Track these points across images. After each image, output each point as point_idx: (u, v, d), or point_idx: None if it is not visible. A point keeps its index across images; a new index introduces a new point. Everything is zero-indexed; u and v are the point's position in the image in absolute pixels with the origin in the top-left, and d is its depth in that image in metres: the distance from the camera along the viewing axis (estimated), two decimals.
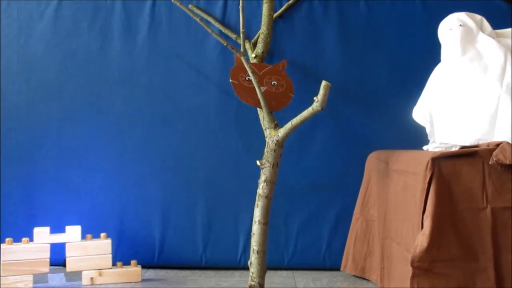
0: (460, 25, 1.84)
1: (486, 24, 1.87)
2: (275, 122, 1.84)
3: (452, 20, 1.88)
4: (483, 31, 1.84)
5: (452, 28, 1.86)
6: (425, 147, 1.92)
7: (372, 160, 2.11)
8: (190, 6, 2.29)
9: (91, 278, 2.05)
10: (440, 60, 1.94)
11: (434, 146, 1.84)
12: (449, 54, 1.86)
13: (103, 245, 2.08)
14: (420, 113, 1.93)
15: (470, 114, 1.73)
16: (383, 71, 2.28)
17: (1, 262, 1.97)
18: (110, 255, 2.08)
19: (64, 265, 2.07)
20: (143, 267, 2.20)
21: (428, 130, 1.92)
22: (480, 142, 1.69)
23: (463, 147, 1.70)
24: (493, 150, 1.53)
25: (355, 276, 2.14)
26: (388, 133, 2.23)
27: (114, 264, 2.10)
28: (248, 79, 1.90)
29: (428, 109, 1.89)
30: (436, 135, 1.85)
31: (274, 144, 1.77)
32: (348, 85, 2.27)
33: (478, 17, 1.88)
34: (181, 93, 2.29)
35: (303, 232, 2.26)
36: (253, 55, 2.12)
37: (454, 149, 1.74)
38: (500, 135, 1.65)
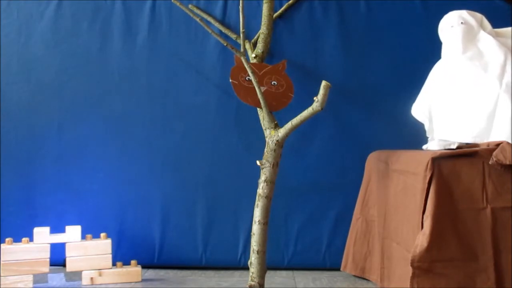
0: (462, 22, 1.84)
1: (486, 22, 1.87)
2: (275, 122, 1.84)
3: (454, 17, 1.88)
4: (483, 30, 1.84)
5: (454, 26, 1.86)
6: (424, 146, 1.92)
7: (372, 160, 2.11)
8: (190, 6, 2.29)
9: (91, 278, 2.05)
10: (440, 59, 1.94)
11: (434, 144, 1.83)
12: (450, 51, 1.86)
13: (103, 245, 2.08)
14: (420, 109, 1.93)
15: (469, 111, 1.73)
16: (383, 71, 2.28)
17: (1, 262, 1.97)
18: (110, 255, 2.08)
19: (64, 265, 2.07)
20: (143, 267, 2.20)
21: (426, 127, 1.92)
22: (478, 140, 1.69)
23: (460, 146, 1.70)
24: (493, 150, 1.53)
25: (355, 276, 2.14)
26: (388, 133, 2.23)
27: (114, 264, 2.10)
28: (248, 79, 1.90)
29: (428, 106, 1.89)
30: (434, 132, 1.85)
31: (274, 144, 1.77)
32: (348, 85, 2.27)
33: (478, 15, 1.88)
34: (181, 93, 2.29)
35: (303, 232, 2.26)
36: (253, 55, 2.12)
37: (452, 146, 1.74)
38: (498, 134, 1.65)
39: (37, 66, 2.30)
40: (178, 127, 2.28)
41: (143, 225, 2.27)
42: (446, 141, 1.78)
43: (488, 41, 1.80)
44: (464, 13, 1.87)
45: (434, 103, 1.86)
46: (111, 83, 2.30)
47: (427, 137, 1.96)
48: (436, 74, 1.90)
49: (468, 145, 1.74)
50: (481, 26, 1.86)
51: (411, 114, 1.99)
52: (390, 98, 2.25)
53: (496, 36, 1.85)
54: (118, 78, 2.30)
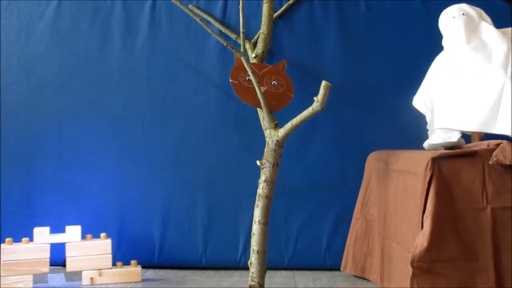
0: (463, 13, 1.84)
1: (485, 16, 1.87)
2: (275, 122, 1.84)
3: (454, 9, 1.87)
4: (484, 21, 1.84)
5: (455, 16, 1.85)
6: (425, 142, 1.90)
7: (372, 160, 2.11)
8: (190, 6, 2.29)
9: (91, 278, 2.05)
10: None
11: (435, 136, 1.81)
12: (452, 42, 1.85)
13: (103, 245, 2.08)
14: (421, 100, 1.91)
15: (472, 100, 1.71)
16: (383, 71, 2.28)
17: (1, 262, 1.97)
18: (110, 255, 2.08)
19: (64, 265, 2.07)
20: (143, 267, 2.20)
21: (428, 119, 1.89)
22: (483, 128, 1.66)
23: (459, 143, 1.70)
24: (493, 150, 1.53)
25: (355, 276, 2.14)
26: (388, 133, 2.23)
27: (114, 264, 2.10)
28: (248, 79, 1.90)
29: (430, 97, 1.87)
30: (436, 122, 1.83)
31: (274, 144, 1.77)
32: (348, 85, 2.27)
33: (477, 9, 1.87)
34: (181, 93, 2.29)
35: (303, 232, 2.26)
36: (253, 55, 2.12)
37: (453, 139, 1.73)
38: (502, 123, 1.62)
39: (37, 66, 2.30)
40: (178, 127, 2.28)
41: (143, 225, 2.27)
42: (447, 132, 1.76)
43: (490, 31, 1.79)
44: (464, 5, 1.87)
45: (436, 94, 1.84)
46: (111, 83, 2.30)
47: (427, 130, 1.94)
48: (439, 65, 1.89)
49: (468, 144, 1.74)
50: (481, 18, 1.85)
51: (411, 114, 1.98)
52: (390, 98, 2.25)
53: None
54: (118, 78, 2.30)
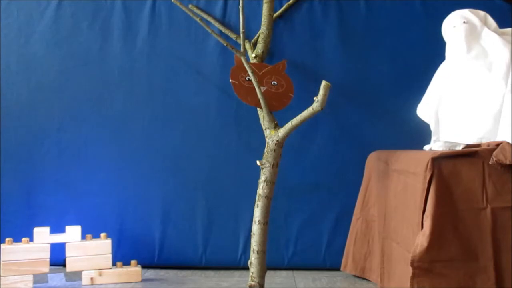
0: (464, 22, 1.83)
1: (490, 19, 1.86)
2: (275, 122, 1.84)
3: (456, 17, 1.87)
4: (488, 27, 1.83)
5: (456, 26, 1.85)
6: (427, 147, 1.91)
7: (372, 160, 2.11)
8: (190, 6, 2.29)
9: (91, 278, 2.05)
10: (440, 59, 1.94)
11: (439, 145, 1.82)
12: (454, 51, 1.85)
13: (103, 245, 2.08)
14: (426, 110, 1.92)
15: (474, 112, 1.72)
16: (383, 71, 2.27)
17: (1, 262, 1.97)
18: (110, 255, 2.08)
19: (64, 265, 2.07)
20: (143, 267, 2.20)
21: (432, 128, 1.90)
22: (484, 141, 1.68)
23: (467, 145, 1.70)
24: (493, 150, 1.53)
25: (355, 276, 2.14)
26: (388, 133, 2.23)
27: (114, 264, 2.10)
28: (248, 79, 1.90)
29: (434, 107, 1.87)
30: (441, 134, 1.83)
31: (274, 144, 1.77)
32: (348, 85, 2.27)
33: (481, 13, 1.86)
34: (181, 93, 2.29)
35: (303, 232, 2.26)
36: (253, 55, 2.12)
37: (458, 148, 1.73)
38: (503, 134, 1.64)
39: (37, 66, 2.30)
40: (178, 127, 2.29)
41: (143, 225, 2.27)
42: (451, 143, 1.77)
43: (492, 39, 1.78)
44: (466, 12, 1.86)
45: (440, 104, 1.85)
46: (111, 83, 2.30)
47: (431, 139, 1.94)
48: (441, 75, 1.89)
49: (469, 145, 1.74)
50: (485, 24, 1.84)
51: (411, 114, 1.98)
52: (390, 98, 2.26)
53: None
54: (118, 78, 2.30)
